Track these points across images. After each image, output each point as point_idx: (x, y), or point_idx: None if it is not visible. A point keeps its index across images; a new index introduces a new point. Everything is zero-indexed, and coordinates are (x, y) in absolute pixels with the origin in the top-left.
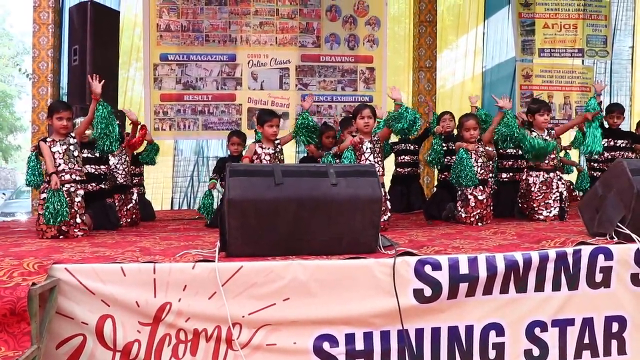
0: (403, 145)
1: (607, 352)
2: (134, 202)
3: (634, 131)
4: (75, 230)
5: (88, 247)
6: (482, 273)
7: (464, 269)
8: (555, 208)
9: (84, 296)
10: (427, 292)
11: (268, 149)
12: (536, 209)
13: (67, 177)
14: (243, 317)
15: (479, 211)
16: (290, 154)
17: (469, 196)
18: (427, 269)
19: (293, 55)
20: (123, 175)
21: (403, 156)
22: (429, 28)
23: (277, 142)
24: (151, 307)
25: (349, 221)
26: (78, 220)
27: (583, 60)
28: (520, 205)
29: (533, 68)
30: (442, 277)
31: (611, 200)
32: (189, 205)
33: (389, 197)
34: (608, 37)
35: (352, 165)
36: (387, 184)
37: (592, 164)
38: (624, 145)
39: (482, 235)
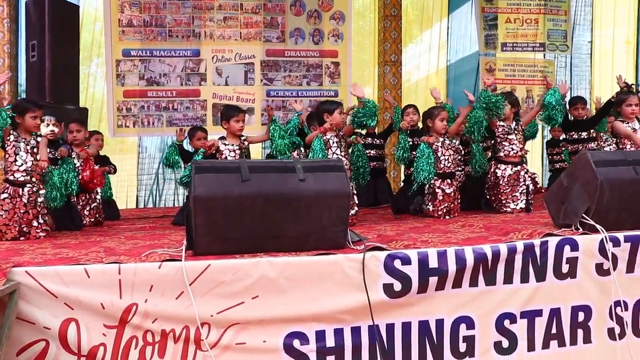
0: (369, 139)
1: (573, 342)
2: (97, 201)
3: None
4: (38, 231)
5: (50, 249)
6: (452, 266)
7: (433, 262)
8: (522, 200)
9: (46, 300)
10: (397, 286)
11: (232, 145)
12: (504, 201)
13: (28, 177)
14: (211, 316)
15: (446, 204)
16: (256, 149)
17: (437, 190)
18: (397, 263)
19: (258, 50)
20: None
21: (369, 150)
22: (394, 22)
23: (243, 138)
24: (117, 309)
25: (317, 217)
26: (40, 220)
27: (544, 54)
28: (487, 197)
29: (496, 62)
30: (412, 271)
31: (576, 191)
32: (155, 203)
33: (355, 191)
34: (568, 32)
35: (320, 160)
36: None
37: (554, 157)
38: (586, 137)
39: (450, 229)
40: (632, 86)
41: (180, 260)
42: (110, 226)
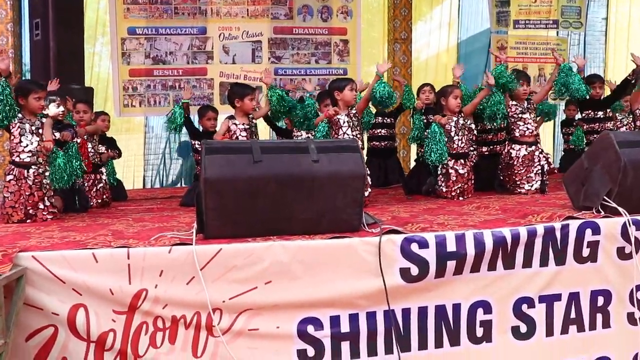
0: (380, 118)
1: (592, 327)
2: (104, 182)
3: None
4: (44, 213)
5: (57, 232)
6: (470, 250)
7: (451, 246)
8: (536, 181)
9: (53, 285)
10: (414, 270)
11: (243, 124)
12: (518, 182)
13: (35, 158)
14: (223, 302)
15: (460, 185)
16: (263, 130)
17: (450, 170)
18: (414, 247)
19: (265, 28)
20: (92, 155)
21: (379, 129)
22: None
23: (251, 116)
24: (126, 294)
25: (332, 199)
26: (47, 202)
27: (557, 32)
28: (501, 178)
29: (508, 40)
30: (429, 255)
31: (597, 173)
32: (162, 183)
33: (368, 171)
34: (582, 8)
35: (334, 141)
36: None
37: (569, 136)
38: (602, 116)
39: (465, 210)
40: None
41: (191, 244)
42: (117, 207)
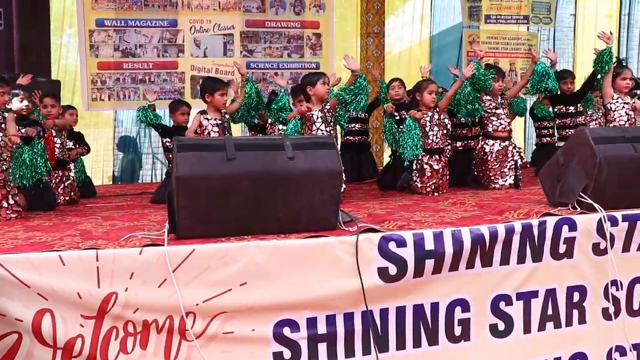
0: (353, 113)
1: (569, 323)
2: (72, 179)
3: None
4: (8, 212)
5: (22, 232)
6: (449, 248)
7: (429, 244)
8: (510, 176)
9: (17, 290)
10: (392, 270)
11: (215, 119)
12: (492, 177)
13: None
14: (197, 305)
15: (435, 181)
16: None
17: (425, 165)
18: (392, 245)
19: (237, 21)
20: (60, 151)
21: (353, 124)
22: None
23: (223, 111)
24: (95, 298)
25: (308, 197)
26: (10, 201)
27: (528, 27)
28: (475, 174)
29: (480, 34)
30: (408, 254)
31: (573, 169)
32: (132, 179)
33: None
34: (552, 4)
35: (310, 137)
36: None
37: (541, 130)
38: (574, 111)
39: (441, 207)
40: (622, 60)
41: (163, 245)
42: (85, 205)
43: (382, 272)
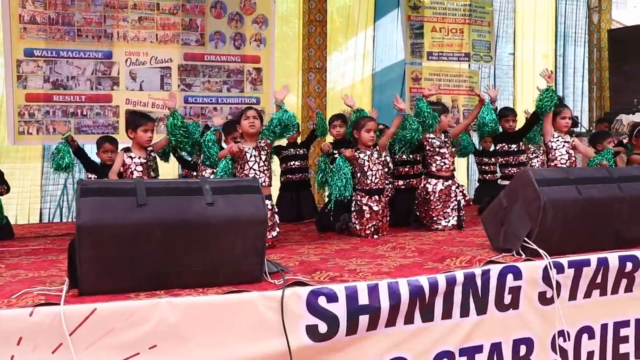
0: (292, 150)
1: None
2: None
3: None
4: None
5: None
6: (384, 303)
7: (363, 299)
8: (453, 217)
9: None
10: (322, 328)
11: (139, 157)
12: (435, 218)
13: None
14: None
15: (374, 223)
16: (172, 163)
17: (364, 207)
18: (322, 300)
19: (175, 54)
20: None
21: (292, 162)
22: (319, 28)
23: (150, 149)
24: None
25: (229, 247)
26: None
27: (469, 65)
28: (417, 214)
29: (422, 71)
30: (339, 309)
31: (517, 212)
32: (62, 217)
33: (276, 209)
34: (491, 43)
35: (232, 180)
36: (276, 193)
37: (483, 167)
38: (516, 149)
39: (379, 252)
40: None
41: (59, 304)
42: None
43: (311, 331)
